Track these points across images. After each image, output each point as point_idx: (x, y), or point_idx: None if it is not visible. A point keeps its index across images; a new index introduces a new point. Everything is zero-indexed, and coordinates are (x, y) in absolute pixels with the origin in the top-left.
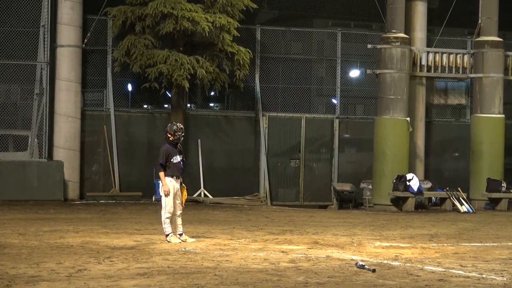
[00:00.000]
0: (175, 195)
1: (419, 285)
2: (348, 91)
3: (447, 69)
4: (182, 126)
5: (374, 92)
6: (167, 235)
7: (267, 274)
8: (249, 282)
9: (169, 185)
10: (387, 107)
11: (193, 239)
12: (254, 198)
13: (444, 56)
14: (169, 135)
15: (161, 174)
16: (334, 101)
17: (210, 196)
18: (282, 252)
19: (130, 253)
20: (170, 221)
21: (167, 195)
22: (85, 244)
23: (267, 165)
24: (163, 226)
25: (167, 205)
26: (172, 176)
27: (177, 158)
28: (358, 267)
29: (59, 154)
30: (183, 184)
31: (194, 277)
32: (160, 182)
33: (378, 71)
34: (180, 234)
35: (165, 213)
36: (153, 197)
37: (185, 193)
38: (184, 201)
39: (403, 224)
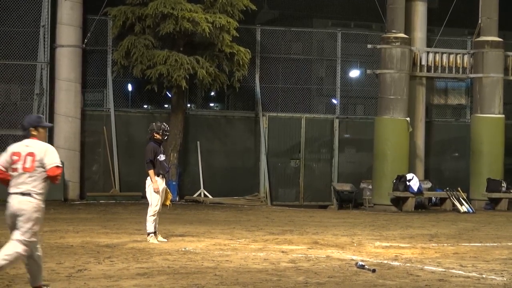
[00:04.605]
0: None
1: (419, 285)
2: (348, 91)
3: (447, 69)
4: (168, 127)
5: (374, 92)
6: (148, 234)
7: (267, 274)
8: (249, 282)
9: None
10: (387, 107)
11: (165, 240)
12: (254, 198)
13: (444, 56)
14: (156, 134)
15: (151, 172)
16: (334, 101)
17: (210, 196)
18: (282, 252)
19: (130, 253)
20: (154, 220)
21: (156, 192)
22: (85, 244)
23: (267, 165)
24: (147, 224)
25: (154, 203)
26: (158, 175)
27: (162, 157)
28: (358, 267)
29: (59, 154)
30: (166, 187)
31: (194, 277)
32: (148, 180)
33: (378, 71)
34: (154, 233)
35: (151, 211)
36: None
37: (169, 196)
38: (169, 203)
39: (403, 224)
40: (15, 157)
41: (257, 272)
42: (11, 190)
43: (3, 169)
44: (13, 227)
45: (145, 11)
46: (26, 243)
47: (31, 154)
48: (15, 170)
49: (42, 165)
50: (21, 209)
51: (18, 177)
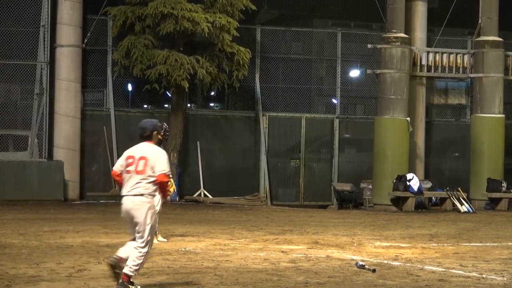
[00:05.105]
0: None
1: (419, 285)
2: (348, 91)
3: (447, 69)
4: (168, 127)
5: (374, 92)
6: None
7: (267, 274)
8: (249, 282)
9: None
10: (387, 107)
11: (165, 240)
12: (254, 198)
13: (444, 56)
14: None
15: None
16: (334, 101)
17: (210, 196)
18: (282, 252)
19: None
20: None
21: None
22: (85, 244)
23: (267, 165)
24: None
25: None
26: None
27: None
28: (358, 267)
29: (59, 154)
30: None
31: (194, 277)
32: None
33: (378, 71)
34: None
35: None
36: None
37: (173, 187)
38: (172, 191)
39: (403, 224)
40: (129, 160)
41: (257, 272)
42: (125, 191)
43: (118, 172)
44: (132, 226)
45: (145, 11)
46: (148, 242)
47: (143, 158)
48: (128, 172)
49: (153, 170)
50: (135, 209)
51: (130, 179)
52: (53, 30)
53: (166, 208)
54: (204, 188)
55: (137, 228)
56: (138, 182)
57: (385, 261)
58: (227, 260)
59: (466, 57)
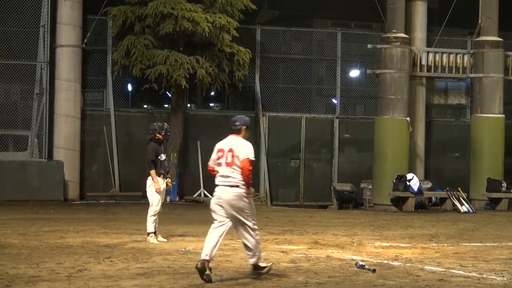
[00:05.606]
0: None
1: (419, 285)
2: (348, 91)
3: (447, 69)
4: (168, 127)
5: (374, 92)
6: (148, 234)
7: (267, 274)
8: (249, 282)
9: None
10: (387, 107)
11: (165, 240)
12: (254, 198)
13: (444, 56)
14: (158, 134)
15: (153, 172)
16: (334, 101)
17: (210, 196)
18: (282, 252)
19: (130, 253)
20: (154, 220)
21: (158, 192)
22: (85, 244)
23: (267, 165)
24: (147, 223)
25: (155, 203)
26: (159, 175)
27: (162, 157)
28: (358, 267)
29: (59, 154)
30: (169, 178)
31: (194, 277)
32: (149, 180)
33: (378, 71)
34: (154, 233)
35: (152, 211)
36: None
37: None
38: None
39: (403, 224)
40: (220, 153)
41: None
42: (219, 182)
43: (213, 167)
44: (222, 213)
45: (145, 10)
46: (253, 228)
47: (231, 150)
48: (219, 164)
49: (238, 159)
50: (232, 200)
51: (223, 171)
52: (53, 30)
53: (166, 208)
54: (204, 188)
55: (240, 218)
56: (231, 174)
57: (385, 261)
58: (227, 260)
59: (466, 57)
